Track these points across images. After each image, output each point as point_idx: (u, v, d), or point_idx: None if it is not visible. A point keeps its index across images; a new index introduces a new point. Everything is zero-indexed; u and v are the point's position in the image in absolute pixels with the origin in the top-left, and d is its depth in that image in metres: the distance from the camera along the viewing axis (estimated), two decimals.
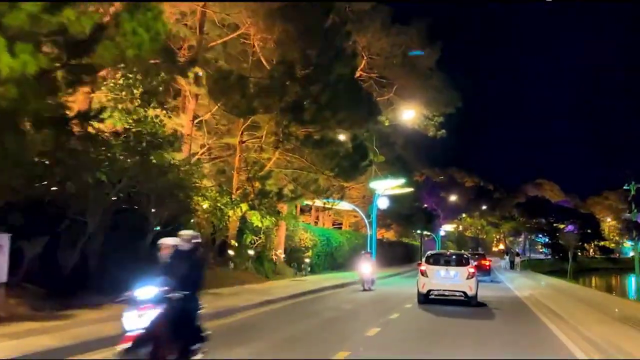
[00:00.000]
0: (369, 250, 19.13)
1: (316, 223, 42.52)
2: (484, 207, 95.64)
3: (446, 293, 15.62)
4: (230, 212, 18.57)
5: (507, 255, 48.89)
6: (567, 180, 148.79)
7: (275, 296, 14.53)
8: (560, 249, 77.46)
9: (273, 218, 21.01)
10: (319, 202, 23.60)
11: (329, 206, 30.41)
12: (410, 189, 33.03)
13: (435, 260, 16.17)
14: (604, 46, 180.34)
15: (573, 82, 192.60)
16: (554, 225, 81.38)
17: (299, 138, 17.23)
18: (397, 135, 44.94)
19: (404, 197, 44.06)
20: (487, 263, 30.26)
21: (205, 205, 19.22)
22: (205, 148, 21.76)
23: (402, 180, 28.61)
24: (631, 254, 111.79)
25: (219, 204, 18.22)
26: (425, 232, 64.05)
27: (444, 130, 29.55)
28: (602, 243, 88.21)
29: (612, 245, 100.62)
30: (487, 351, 8.81)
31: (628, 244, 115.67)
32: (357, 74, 26.57)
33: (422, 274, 15.51)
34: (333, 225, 47.36)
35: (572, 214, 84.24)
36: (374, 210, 29.22)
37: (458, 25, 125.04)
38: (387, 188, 28.70)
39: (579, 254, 77.04)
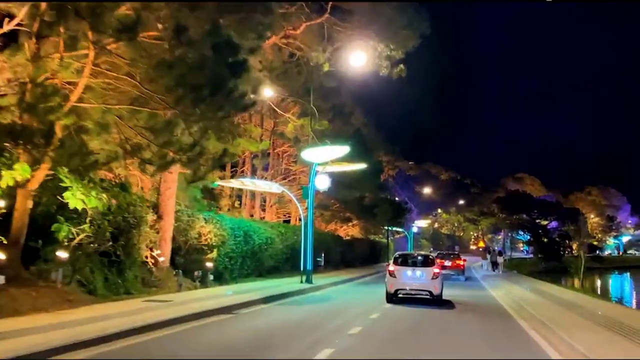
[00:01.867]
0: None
1: (252, 217, 33.76)
2: (461, 202, 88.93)
3: (412, 292, 16.00)
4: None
5: (489, 254, 41.35)
6: (547, 175, 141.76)
7: None
8: (544, 247, 71.10)
9: (104, 195, 12.17)
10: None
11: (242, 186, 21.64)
12: (362, 165, 24.38)
13: (403, 261, 16.81)
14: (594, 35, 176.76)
15: (554, 72, 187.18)
16: (537, 221, 74.82)
17: (109, 25, 8.41)
18: (354, 105, 36.87)
19: (363, 184, 35.76)
20: (462, 262, 31.82)
21: None
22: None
23: (346, 148, 19.89)
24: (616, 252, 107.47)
25: None
26: (395, 229, 55.63)
27: (402, 66, 20.72)
28: (588, 241, 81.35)
29: (596, 242, 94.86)
30: None
31: (611, 241, 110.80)
32: None
33: (391, 275, 16.15)
34: (282, 219, 38.55)
35: (556, 210, 77.49)
36: (310, 191, 20.44)
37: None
38: (326, 160, 20.06)
39: (564, 253, 70.13)
